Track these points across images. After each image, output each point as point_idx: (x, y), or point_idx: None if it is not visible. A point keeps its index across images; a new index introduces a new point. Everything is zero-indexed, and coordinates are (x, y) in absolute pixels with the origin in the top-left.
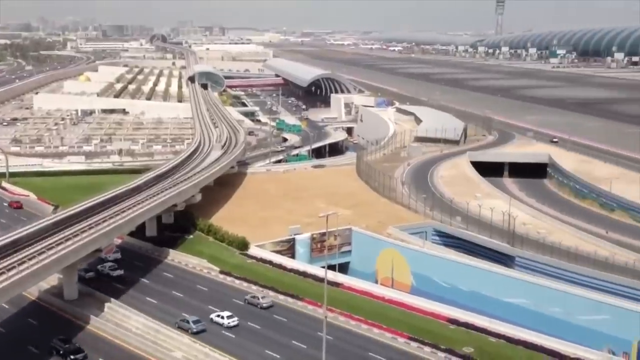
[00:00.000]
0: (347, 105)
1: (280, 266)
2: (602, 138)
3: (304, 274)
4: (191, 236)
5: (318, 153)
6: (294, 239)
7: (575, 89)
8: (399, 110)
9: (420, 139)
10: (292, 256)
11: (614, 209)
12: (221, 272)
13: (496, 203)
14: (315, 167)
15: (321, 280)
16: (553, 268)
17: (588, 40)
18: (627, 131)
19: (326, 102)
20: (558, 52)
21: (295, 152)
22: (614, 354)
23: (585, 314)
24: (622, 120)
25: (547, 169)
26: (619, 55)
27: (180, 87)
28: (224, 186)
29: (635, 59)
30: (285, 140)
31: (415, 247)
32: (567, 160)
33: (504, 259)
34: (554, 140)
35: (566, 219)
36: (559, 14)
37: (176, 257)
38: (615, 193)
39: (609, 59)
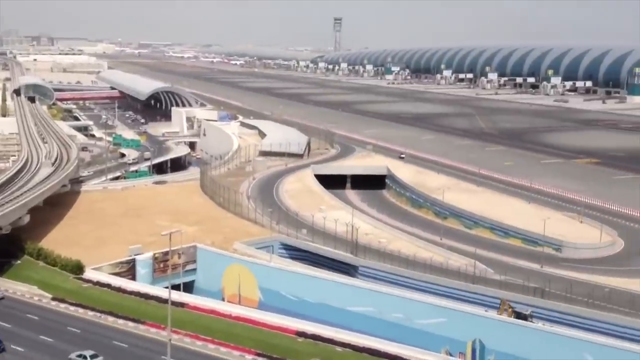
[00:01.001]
0: (189, 119)
1: (119, 289)
2: (435, 150)
3: (146, 296)
4: (19, 261)
5: (159, 169)
6: (134, 259)
7: (410, 104)
8: (242, 124)
9: (264, 153)
10: (133, 278)
11: (446, 217)
12: (54, 298)
13: (340, 214)
14: (157, 183)
15: (165, 301)
16: (394, 275)
17: (419, 59)
18: (456, 143)
19: (167, 116)
20: (393, 69)
21: (134, 167)
22: (450, 354)
23: (424, 317)
24: (452, 133)
25: (386, 180)
26: (447, 73)
27: (4, 100)
28: (55, 206)
29: (461, 76)
30: (123, 155)
31: (262, 262)
32: (404, 171)
33: (349, 269)
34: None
35: (404, 227)
36: (390, 33)
37: (2, 284)
38: (447, 202)
39: (438, 76)
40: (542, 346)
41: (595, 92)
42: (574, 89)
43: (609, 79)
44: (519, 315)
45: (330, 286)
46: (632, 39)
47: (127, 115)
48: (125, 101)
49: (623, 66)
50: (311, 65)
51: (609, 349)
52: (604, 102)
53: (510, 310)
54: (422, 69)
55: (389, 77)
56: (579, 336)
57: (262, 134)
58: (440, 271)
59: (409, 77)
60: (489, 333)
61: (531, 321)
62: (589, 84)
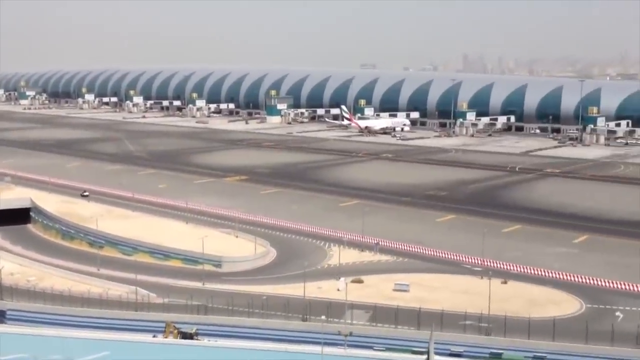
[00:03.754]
0: None
1: None
2: (84, 177)
3: None
4: None
5: None
6: None
7: (51, 130)
8: None
9: None
10: None
11: (103, 246)
12: None
13: None
14: None
15: None
16: (48, 315)
17: (57, 82)
18: (106, 169)
19: None
20: (28, 93)
21: None
22: None
23: (85, 354)
24: (101, 158)
25: (31, 213)
26: (90, 97)
27: None
28: None
29: (105, 99)
30: None
31: None
32: (50, 202)
33: None
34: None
35: (56, 262)
36: (24, 55)
37: None
38: (102, 230)
39: (80, 100)
40: None
41: (238, 113)
42: (218, 111)
43: (249, 101)
44: (185, 335)
45: None
46: (267, 63)
47: None
48: None
49: (260, 88)
50: None
51: (271, 353)
52: (247, 123)
53: (175, 331)
54: (62, 92)
55: (24, 102)
56: (243, 346)
57: None
58: (100, 303)
59: (47, 102)
60: (156, 358)
61: (197, 339)
62: (232, 105)
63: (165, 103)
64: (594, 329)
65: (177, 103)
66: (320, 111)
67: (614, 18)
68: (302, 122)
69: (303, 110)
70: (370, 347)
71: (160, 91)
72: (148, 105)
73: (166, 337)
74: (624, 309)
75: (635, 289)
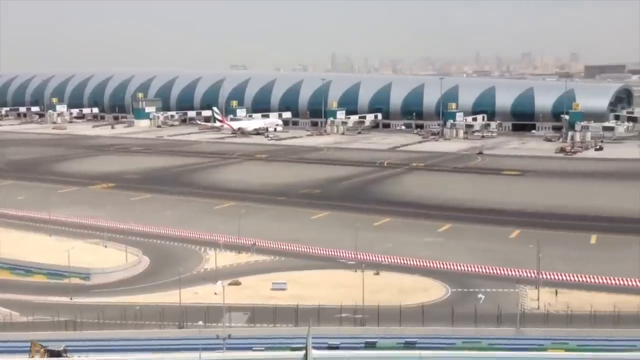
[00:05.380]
0: None
1: None
2: None
3: None
4: None
5: None
6: None
7: None
8: None
9: None
10: None
11: None
12: None
13: None
14: None
15: None
16: None
17: None
18: None
19: None
20: None
21: None
22: None
23: None
24: None
25: None
26: None
27: None
28: None
29: None
30: None
31: None
32: None
33: None
34: None
35: None
36: None
37: None
38: None
39: None
40: None
41: (103, 118)
42: (81, 116)
43: (115, 105)
44: (53, 353)
45: None
46: (133, 65)
47: None
48: None
49: (126, 91)
50: None
51: None
52: (113, 128)
53: (42, 350)
54: None
55: None
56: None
57: None
58: None
59: None
60: None
61: (66, 356)
62: (96, 110)
63: (23, 109)
64: (459, 311)
65: (35, 109)
66: (192, 113)
67: (468, 19)
68: (172, 125)
69: (173, 112)
70: (249, 348)
71: (17, 97)
72: (3, 112)
73: (32, 357)
74: (485, 291)
75: (495, 271)
